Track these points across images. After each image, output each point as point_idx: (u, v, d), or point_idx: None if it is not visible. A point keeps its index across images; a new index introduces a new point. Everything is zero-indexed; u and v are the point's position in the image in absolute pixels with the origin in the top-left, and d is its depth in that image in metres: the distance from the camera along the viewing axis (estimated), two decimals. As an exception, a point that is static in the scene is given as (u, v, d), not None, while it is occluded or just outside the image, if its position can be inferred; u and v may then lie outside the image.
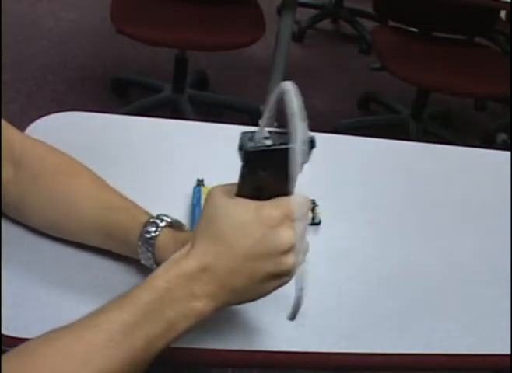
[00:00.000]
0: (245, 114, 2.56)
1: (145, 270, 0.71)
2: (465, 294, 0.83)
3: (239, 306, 0.74)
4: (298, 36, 3.27)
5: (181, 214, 0.85)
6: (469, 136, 2.74)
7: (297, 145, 0.54)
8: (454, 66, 2.35)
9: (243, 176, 0.58)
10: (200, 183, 0.89)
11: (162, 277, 0.58)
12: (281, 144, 0.56)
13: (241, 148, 0.56)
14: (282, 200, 0.58)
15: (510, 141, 2.72)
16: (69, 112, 1.02)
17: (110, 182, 0.76)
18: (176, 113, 2.44)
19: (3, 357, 0.52)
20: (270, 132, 0.57)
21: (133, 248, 0.69)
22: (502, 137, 2.76)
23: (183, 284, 0.57)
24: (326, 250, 0.85)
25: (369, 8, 2.76)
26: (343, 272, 0.83)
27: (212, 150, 0.99)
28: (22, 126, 0.91)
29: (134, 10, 2.18)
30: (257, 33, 2.16)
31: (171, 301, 0.57)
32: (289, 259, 0.59)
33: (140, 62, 2.84)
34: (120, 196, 0.75)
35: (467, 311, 0.81)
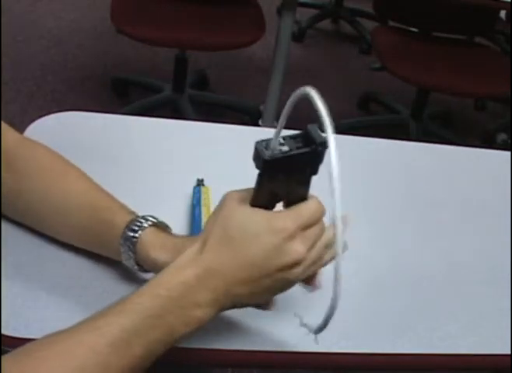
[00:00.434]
0: (245, 114, 2.56)
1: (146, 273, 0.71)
2: (465, 294, 0.83)
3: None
4: (298, 36, 3.27)
5: (181, 214, 0.85)
6: (469, 136, 2.75)
7: (332, 147, 0.54)
8: (454, 66, 2.35)
9: (260, 184, 0.58)
10: (200, 182, 0.89)
11: (164, 285, 0.57)
12: (297, 148, 0.56)
13: (258, 157, 0.55)
14: (296, 210, 0.59)
15: (510, 141, 2.72)
16: (69, 112, 1.02)
17: (109, 182, 0.76)
18: (176, 113, 2.44)
19: (3, 357, 0.52)
20: (284, 138, 0.56)
21: (115, 247, 0.69)
22: (502, 137, 2.77)
23: (186, 293, 0.57)
24: (326, 250, 0.85)
25: (369, 8, 2.76)
26: (343, 272, 0.83)
27: (212, 150, 0.99)
28: (22, 126, 0.91)
29: (134, 10, 2.18)
30: (257, 33, 2.16)
31: (173, 309, 0.57)
32: (296, 272, 0.59)
33: (140, 62, 2.84)
34: (108, 196, 0.74)
35: (467, 311, 0.81)
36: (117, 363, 0.54)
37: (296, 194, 0.59)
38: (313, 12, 3.45)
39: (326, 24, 3.56)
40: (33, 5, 3.11)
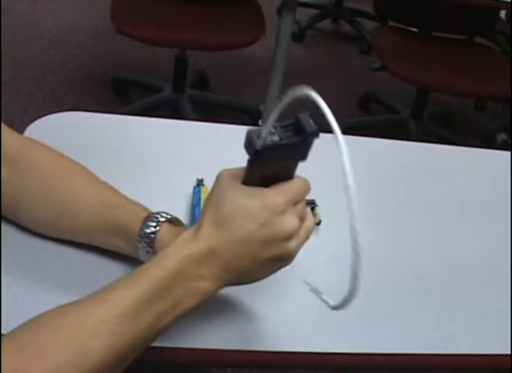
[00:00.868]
0: (245, 114, 2.56)
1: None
2: (465, 294, 0.83)
3: (238, 306, 0.74)
4: (298, 36, 3.27)
5: (181, 214, 0.85)
6: (469, 136, 2.75)
7: (341, 143, 0.58)
8: (454, 66, 2.35)
9: (250, 170, 0.60)
10: (200, 182, 0.89)
11: (172, 257, 0.59)
12: (287, 138, 0.57)
13: (249, 145, 0.57)
14: (285, 187, 0.61)
15: (510, 141, 2.72)
16: (69, 112, 1.02)
17: (110, 182, 0.76)
18: (176, 113, 2.44)
19: (14, 329, 0.53)
20: (275, 127, 0.57)
21: (132, 244, 0.69)
22: (502, 137, 2.77)
23: (192, 266, 0.59)
24: (326, 250, 0.85)
25: (369, 8, 2.76)
26: (343, 272, 0.83)
27: (212, 150, 0.99)
28: (22, 126, 0.91)
29: (134, 10, 2.18)
30: (257, 33, 2.16)
31: (181, 280, 0.58)
32: (291, 244, 0.62)
33: (140, 62, 2.84)
34: (117, 193, 0.74)
35: (467, 311, 0.81)
36: (129, 332, 0.55)
37: (284, 177, 0.62)
38: (313, 12, 3.45)
39: (326, 24, 3.56)
40: (33, 5, 3.11)
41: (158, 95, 2.51)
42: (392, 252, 0.88)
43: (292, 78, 2.57)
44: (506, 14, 3.04)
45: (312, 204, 0.89)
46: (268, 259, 0.61)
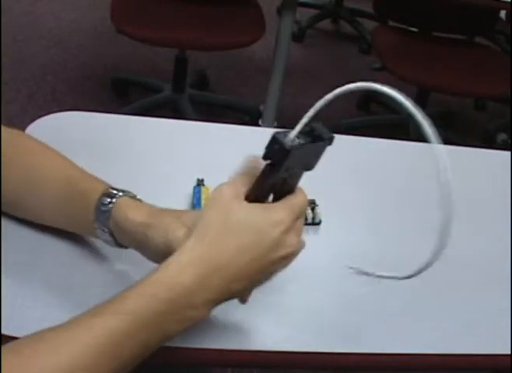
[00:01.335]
0: (245, 114, 2.56)
1: (146, 271, 0.71)
2: (465, 294, 0.83)
3: (237, 306, 0.74)
4: (298, 36, 3.27)
5: (181, 214, 0.85)
6: (469, 136, 2.75)
7: (435, 141, 0.59)
8: (454, 66, 2.35)
9: (268, 174, 0.59)
10: (200, 182, 0.89)
11: (164, 286, 0.56)
12: (310, 142, 0.58)
13: (276, 146, 0.57)
14: (288, 203, 0.60)
15: (510, 141, 2.72)
16: (69, 112, 1.02)
17: (109, 181, 0.76)
18: (176, 113, 2.44)
19: None
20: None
21: (90, 219, 0.68)
22: (502, 137, 2.77)
23: (185, 295, 0.56)
24: (326, 250, 0.85)
25: (369, 8, 2.76)
26: (343, 272, 0.83)
27: (212, 150, 0.99)
28: (22, 126, 0.91)
29: (134, 10, 2.18)
30: (257, 33, 2.16)
31: (169, 311, 0.56)
32: (288, 263, 0.61)
33: (140, 62, 2.84)
34: (83, 170, 0.74)
35: (467, 311, 0.81)
36: (107, 364, 0.53)
37: (288, 187, 0.62)
38: (313, 12, 3.45)
39: (326, 24, 3.56)
40: (33, 5, 3.11)
41: (158, 95, 2.51)
42: (392, 251, 0.88)
43: (292, 78, 2.57)
44: (506, 14, 3.04)
45: (312, 204, 0.89)
46: (261, 277, 0.61)
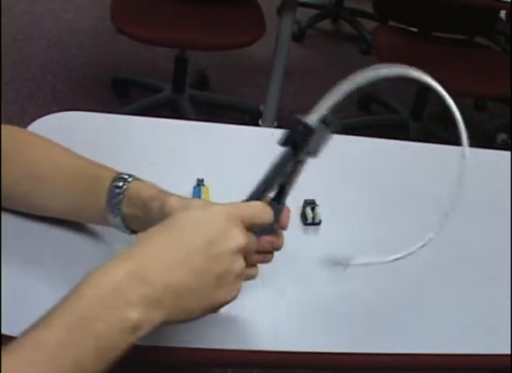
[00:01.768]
0: (245, 114, 2.56)
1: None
2: (465, 294, 0.83)
3: (237, 306, 0.74)
4: (298, 36, 3.27)
5: (181, 214, 0.85)
6: (469, 136, 2.74)
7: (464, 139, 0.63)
8: (454, 66, 2.35)
9: (285, 160, 0.61)
10: (200, 182, 0.89)
11: (92, 284, 0.51)
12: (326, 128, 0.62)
13: (302, 127, 0.60)
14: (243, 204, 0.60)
15: (510, 141, 2.72)
16: (69, 112, 1.02)
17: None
18: (176, 113, 2.44)
19: None
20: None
21: (102, 205, 0.69)
22: (502, 137, 2.76)
23: (115, 291, 0.50)
24: (326, 250, 0.85)
25: (369, 8, 2.76)
26: (343, 272, 0.83)
27: (212, 150, 0.99)
28: (22, 126, 0.91)
29: (134, 10, 2.18)
30: (257, 33, 2.16)
31: (100, 310, 0.50)
32: (238, 263, 0.56)
33: (140, 62, 2.84)
34: (91, 160, 0.75)
35: (467, 311, 0.81)
36: None
37: (291, 181, 0.64)
38: (313, 12, 3.45)
39: (326, 24, 3.56)
40: (33, 5, 3.11)
41: (158, 95, 2.51)
42: (392, 251, 0.88)
43: (292, 78, 2.57)
44: (506, 14, 3.04)
45: (312, 204, 0.89)
46: (211, 276, 0.54)
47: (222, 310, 0.68)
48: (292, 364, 0.72)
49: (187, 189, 0.89)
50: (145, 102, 2.44)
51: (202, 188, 0.88)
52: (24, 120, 0.95)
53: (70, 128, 0.99)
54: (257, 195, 0.62)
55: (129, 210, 0.68)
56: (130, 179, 0.70)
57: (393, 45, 2.41)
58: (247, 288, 0.69)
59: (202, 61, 2.84)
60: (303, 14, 3.31)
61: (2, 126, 0.75)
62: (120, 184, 0.69)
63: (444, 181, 1.05)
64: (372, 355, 0.73)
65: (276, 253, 0.82)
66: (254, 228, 0.59)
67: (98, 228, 0.78)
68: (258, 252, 0.63)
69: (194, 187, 0.89)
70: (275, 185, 0.63)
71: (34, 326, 0.50)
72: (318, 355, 0.72)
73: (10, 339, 0.65)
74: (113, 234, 0.73)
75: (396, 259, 0.65)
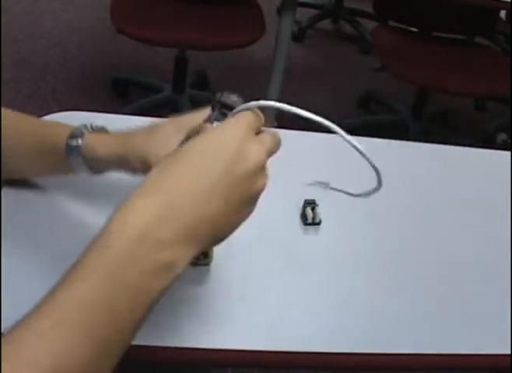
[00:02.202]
0: (245, 114, 2.55)
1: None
2: (465, 294, 0.83)
3: (237, 306, 0.74)
4: (298, 36, 3.27)
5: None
6: (469, 136, 2.75)
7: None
8: (454, 66, 2.35)
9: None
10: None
11: (119, 233, 0.47)
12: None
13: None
14: (242, 117, 0.57)
15: (510, 141, 2.72)
16: (69, 112, 1.02)
17: (109, 181, 0.76)
18: (176, 113, 2.43)
19: None
20: None
21: (62, 156, 0.71)
22: (502, 137, 2.77)
23: (145, 231, 0.47)
24: (326, 250, 0.85)
25: (369, 8, 2.76)
26: (343, 272, 0.83)
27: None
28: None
29: (134, 10, 2.18)
30: (257, 33, 2.16)
31: (134, 255, 0.46)
32: (261, 180, 0.54)
33: (140, 62, 2.84)
34: (51, 122, 0.78)
35: (467, 311, 0.81)
36: (82, 346, 0.44)
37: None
38: (313, 12, 3.46)
39: (326, 24, 3.56)
40: (33, 5, 3.11)
41: (158, 95, 2.51)
42: (392, 252, 0.88)
43: (292, 78, 2.56)
44: (506, 14, 3.04)
45: (312, 204, 0.89)
46: (239, 199, 0.52)
47: (223, 310, 0.69)
48: (292, 364, 0.72)
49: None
50: (145, 102, 2.45)
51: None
52: (24, 120, 0.95)
53: (70, 128, 0.99)
54: None
55: (99, 166, 0.71)
56: (84, 135, 0.71)
57: (393, 45, 2.41)
58: (247, 288, 0.70)
59: (202, 61, 2.84)
60: (303, 14, 3.31)
61: None
62: (74, 144, 0.70)
63: (444, 181, 1.05)
64: (372, 355, 0.73)
65: (276, 253, 0.82)
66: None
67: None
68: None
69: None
70: None
71: (58, 286, 0.46)
72: (318, 355, 0.72)
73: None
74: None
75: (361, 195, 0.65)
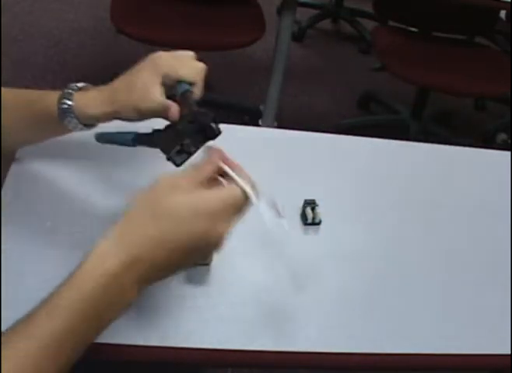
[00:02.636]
0: (245, 114, 2.55)
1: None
2: (465, 294, 0.83)
3: (237, 306, 0.74)
4: (298, 36, 3.27)
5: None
6: (469, 136, 2.75)
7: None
8: (454, 66, 2.35)
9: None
10: (200, 182, 0.89)
11: (89, 276, 0.56)
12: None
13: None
14: (223, 192, 0.61)
15: (510, 141, 2.72)
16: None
17: (109, 181, 0.76)
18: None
19: None
20: None
21: (58, 123, 0.74)
22: (502, 137, 2.77)
23: (112, 282, 0.56)
24: (326, 250, 0.85)
25: (369, 8, 2.76)
26: (343, 272, 0.83)
27: (212, 150, 0.99)
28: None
29: (134, 10, 2.18)
30: (257, 33, 2.16)
31: (101, 300, 0.56)
32: (218, 246, 0.60)
33: (140, 62, 2.84)
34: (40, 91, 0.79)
35: (467, 311, 0.81)
36: (50, 365, 0.53)
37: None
38: (313, 12, 3.45)
39: (326, 24, 3.56)
40: (33, 5, 3.11)
41: (158, 96, 2.51)
42: (392, 252, 0.88)
43: (293, 78, 2.56)
44: (506, 14, 3.04)
45: (312, 204, 0.89)
46: (198, 254, 0.61)
47: (223, 310, 0.69)
48: (292, 364, 0.72)
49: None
50: (144, 102, 2.44)
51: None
52: (24, 120, 0.95)
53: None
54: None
55: (92, 122, 0.76)
56: (70, 102, 0.73)
57: (393, 45, 2.40)
58: (246, 287, 0.70)
59: (202, 60, 2.83)
60: (303, 14, 3.31)
61: None
62: (65, 106, 0.73)
63: (444, 181, 1.05)
64: (372, 355, 0.73)
65: (276, 253, 0.82)
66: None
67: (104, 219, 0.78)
68: None
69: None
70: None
71: (31, 316, 0.54)
72: (318, 355, 0.72)
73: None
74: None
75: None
